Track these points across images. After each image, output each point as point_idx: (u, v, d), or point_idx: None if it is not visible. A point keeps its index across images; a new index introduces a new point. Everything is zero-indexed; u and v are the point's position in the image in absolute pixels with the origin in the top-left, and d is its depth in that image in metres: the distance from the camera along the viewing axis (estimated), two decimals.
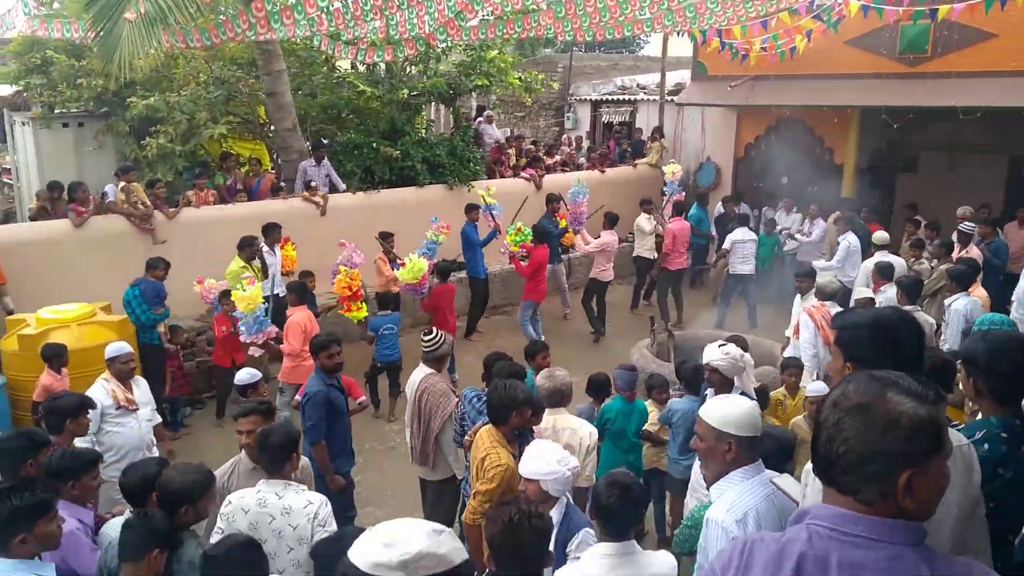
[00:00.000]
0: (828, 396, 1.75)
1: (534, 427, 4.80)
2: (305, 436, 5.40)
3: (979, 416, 3.03)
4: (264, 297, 8.34)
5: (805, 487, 2.51)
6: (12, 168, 14.48)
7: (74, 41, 8.29)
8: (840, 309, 7.79)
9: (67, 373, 6.76)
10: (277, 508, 3.95)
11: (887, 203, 13.39)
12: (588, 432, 5.14)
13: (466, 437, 5.13)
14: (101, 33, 6.61)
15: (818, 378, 7.41)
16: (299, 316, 8.04)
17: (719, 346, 5.15)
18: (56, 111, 12.85)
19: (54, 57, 12.29)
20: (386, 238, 10.30)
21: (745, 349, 5.70)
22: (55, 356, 6.77)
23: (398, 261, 10.09)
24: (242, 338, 7.91)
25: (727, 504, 2.96)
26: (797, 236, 12.99)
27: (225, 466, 4.56)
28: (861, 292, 8.22)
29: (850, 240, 11.16)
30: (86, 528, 3.98)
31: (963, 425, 3.08)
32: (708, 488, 3.23)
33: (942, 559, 1.60)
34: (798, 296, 8.53)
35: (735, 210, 13.67)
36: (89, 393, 5.68)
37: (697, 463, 4.58)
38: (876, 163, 13.55)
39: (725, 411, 3.16)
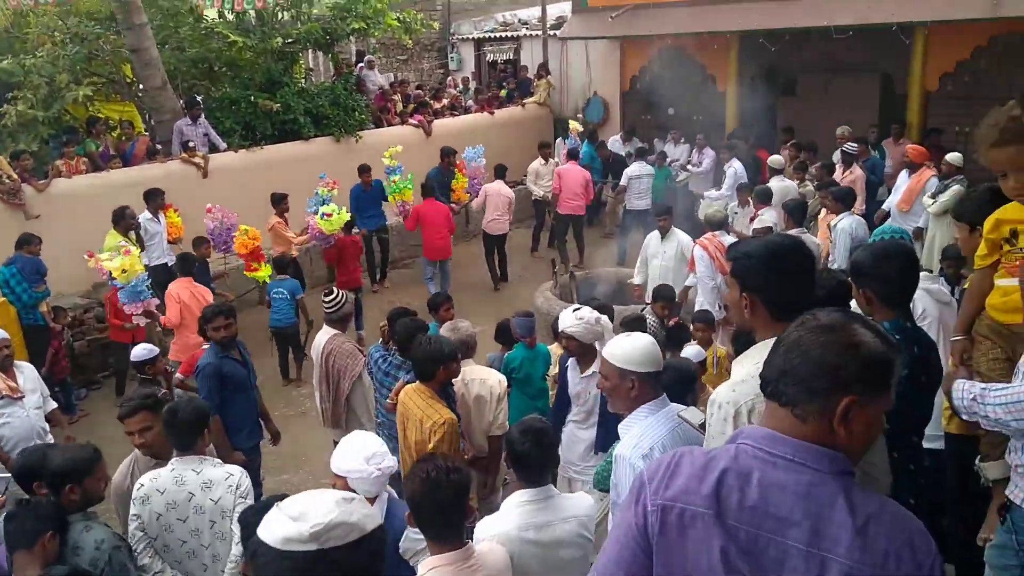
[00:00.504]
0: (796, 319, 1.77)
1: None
2: None
3: None
4: (147, 267, 8.00)
5: (710, 418, 2.52)
6: None
7: None
8: (730, 237, 7.97)
9: None
10: (196, 483, 3.83)
11: (769, 127, 13.66)
12: (498, 380, 5.14)
13: (388, 400, 5.03)
14: None
15: (719, 308, 7.55)
16: (174, 286, 7.74)
17: (573, 311, 4.80)
18: None
19: None
20: (280, 201, 9.90)
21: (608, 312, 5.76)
22: None
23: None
24: (123, 308, 7.68)
25: (634, 440, 3.05)
26: (688, 167, 13.16)
27: (123, 466, 4.29)
28: (760, 221, 8.33)
29: (736, 167, 11.41)
30: None
31: None
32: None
33: (859, 491, 1.62)
34: (653, 234, 8.62)
35: (608, 154, 13.80)
36: None
37: None
38: (756, 87, 13.82)
39: (625, 348, 3.20)
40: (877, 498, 1.65)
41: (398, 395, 4.72)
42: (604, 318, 4.88)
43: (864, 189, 10.06)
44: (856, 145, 10.46)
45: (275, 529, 1.60)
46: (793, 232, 7.49)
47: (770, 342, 2.28)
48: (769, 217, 8.58)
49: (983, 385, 2.82)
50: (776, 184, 9.70)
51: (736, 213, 9.92)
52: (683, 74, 14.34)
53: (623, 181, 12.16)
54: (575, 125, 13.80)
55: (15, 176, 9.30)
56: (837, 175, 10.06)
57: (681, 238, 8.40)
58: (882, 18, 11.39)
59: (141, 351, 6.12)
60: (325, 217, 9.32)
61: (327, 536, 1.58)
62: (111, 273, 7.75)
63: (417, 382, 4.53)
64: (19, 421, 5.50)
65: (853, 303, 3.23)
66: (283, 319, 8.67)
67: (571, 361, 4.95)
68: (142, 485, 3.86)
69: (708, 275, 7.78)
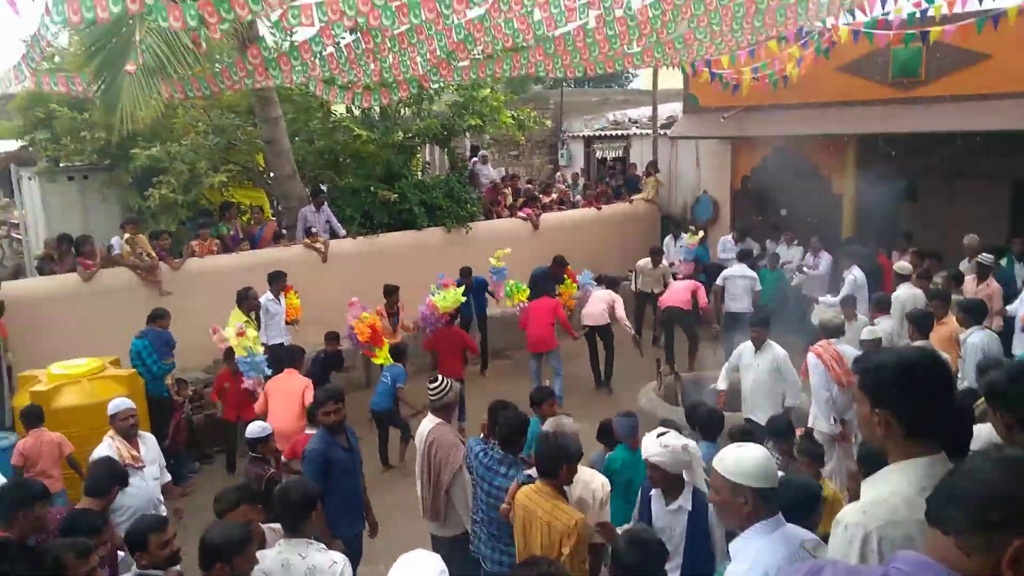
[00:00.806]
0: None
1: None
2: None
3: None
4: (264, 345, 8.39)
5: (833, 538, 2.35)
6: (20, 223, 14.52)
7: (77, 95, 8.37)
8: (847, 346, 7.62)
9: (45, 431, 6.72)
10: (301, 569, 3.85)
11: (888, 233, 13.26)
12: (601, 483, 4.89)
13: (503, 506, 4.75)
14: (103, 86, 6.66)
15: (835, 422, 7.27)
16: (272, 380, 7.99)
17: (657, 436, 4.40)
18: (61, 164, 12.96)
19: (57, 111, 12.40)
20: (391, 293, 10.24)
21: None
22: (31, 416, 6.74)
23: (400, 315, 10.21)
24: (245, 384, 8.00)
25: (747, 562, 2.84)
26: (804, 270, 12.79)
27: None
28: (870, 332, 7.95)
29: (856, 274, 10.85)
30: None
31: None
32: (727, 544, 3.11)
33: None
34: (746, 344, 7.99)
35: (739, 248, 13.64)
36: (96, 451, 5.67)
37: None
38: (875, 191, 13.55)
39: (738, 460, 3.00)
40: None
41: (513, 498, 4.54)
42: (692, 444, 4.53)
43: (1000, 303, 9.41)
44: (991, 256, 9.90)
45: None
46: (918, 343, 7.11)
47: (906, 464, 2.25)
48: (884, 327, 8.16)
49: None
50: (904, 292, 9.20)
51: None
52: (797, 175, 14.07)
53: (718, 281, 11.82)
54: (691, 238, 13.46)
55: (154, 254, 9.99)
56: (969, 287, 9.53)
57: (777, 351, 7.72)
58: (1011, 125, 10.98)
59: (255, 428, 6.18)
60: (439, 291, 9.67)
61: None
62: (224, 356, 8.27)
63: (537, 481, 4.41)
64: (138, 490, 5.69)
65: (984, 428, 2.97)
66: (380, 403, 8.83)
67: (655, 492, 4.54)
68: None
69: (822, 385, 7.34)
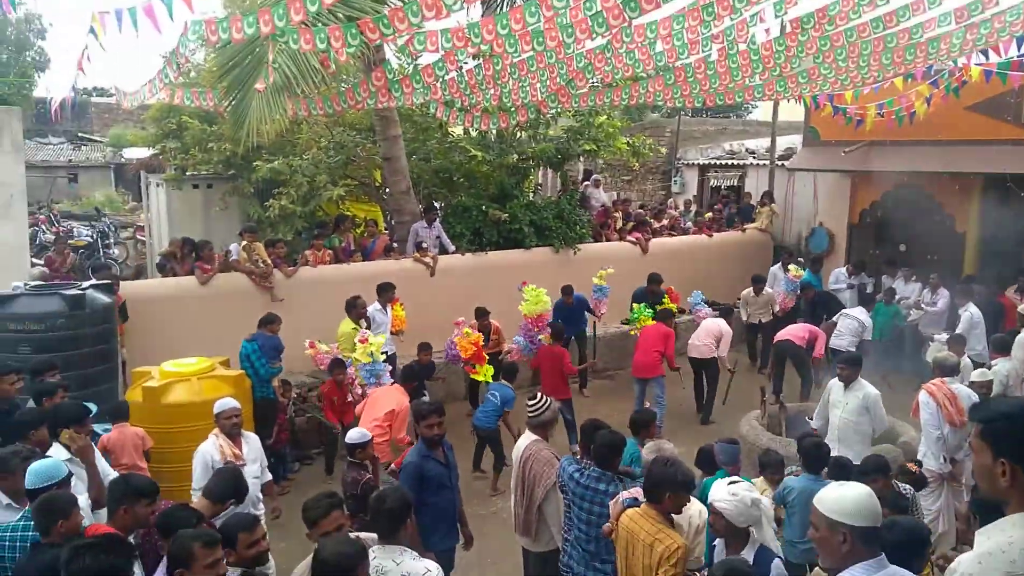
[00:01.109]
0: None
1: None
2: None
3: None
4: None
5: None
6: (146, 226, 15.41)
7: (208, 109, 8.83)
8: (961, 386, 7.41)
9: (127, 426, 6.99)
10: (396, 575, 3.92)
11: (1011, 273, 12.72)
12: (698, 510, 4.88)
13: (607, 525, 4.78)
14: (233, 102, 7.04)
15: (944, 461, 7.02)
16: (377, 390, 8.14)
17: (728, 483, 4.27)
18: (188, 173, 13.65)
19: (188, 122, 13.09)
20: (481, 317, 10.39)
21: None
22: (117, 411, 7.05)
23: (492, 337, 10.45)
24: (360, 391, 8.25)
25: None
26: (922, 306, 12.44)
27: (304, 564, 4.08)
28: (981, 374, 7.64)
29: (971, 311, 10.66)
30: None
31: None
32: None
33: None
34: (835, 380, 7.78)
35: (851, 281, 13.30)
36: (201, 448, 5.92)
37: None
38: (1000, 232, 12.99)
39: (840, 498, 2.96)
40: None
41: (618, 519, 4.57)
42: (765, 501, 4.34)
43: None
44: None
45: None
46: None
47: None
48: (1001, 369, 7.92)
49: None
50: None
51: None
52: (918, 212, 13.74)
53: (835, 318, 11.59)
54: (796, 271, 13.23)
55: (269, 261, 10.40)
56: None
57: (868, 391, 7.52)
58: None
59: (355, 435, 6.29)
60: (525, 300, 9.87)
61: None
62: (330, 368, 8.56)
63: (643, 504, 4.44)
64: None
65: None
66: (484, 421, 8.80)
67: (719, 541, 4.35)
68: None
69: (933, 424, 7.16)
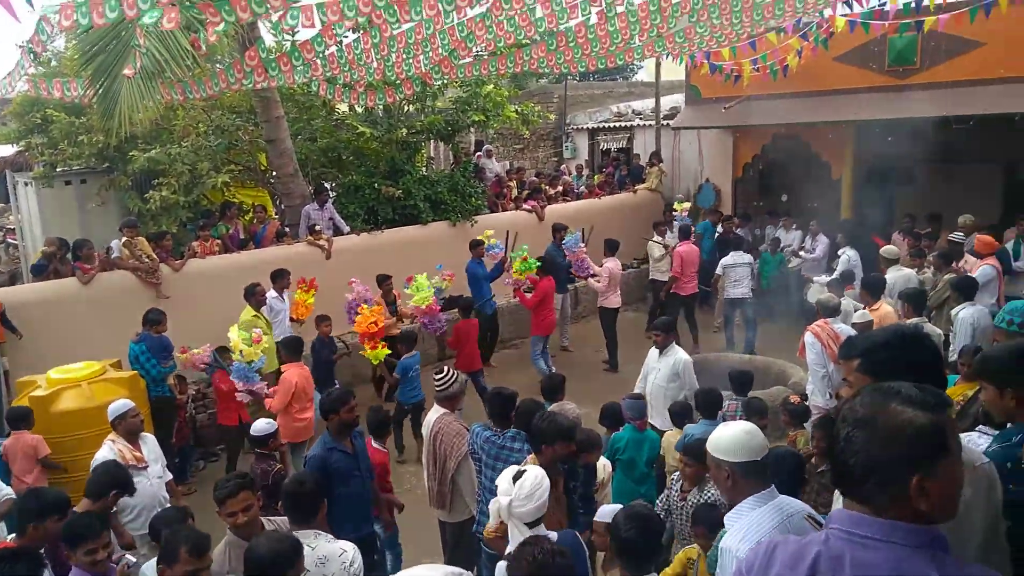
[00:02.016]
0: (839, 410, 1.82)
1: None
2: None
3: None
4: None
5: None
6: (16, 228, 14.54)
7: (72, 100, 8.38)
8: (843, 325, 7.76)
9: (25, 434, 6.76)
10: (311, 559, 3.86)
11: (886, 215, 13.41)
12: (602, 464, 5.06)
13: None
14: (100, 90, 6.67)
15: (830, 397, 7.36)
16: (290, 373, 7.83)
17: (512, 477, 3.91)
18: (58, 169, 12.88)
19: (54, 115, 12.39)
20: (383, 282, 10.30)
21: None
22: (14, 418, 6.77)
23: (398, 303, 10.22)
24: (235, 381, 7.94)
25: (740, 533, 2.92)
26: (801, 253, 13.01)
27: (217, 553, 4.10)
28: (862, 315, 8.03)
29: (849, 254, 11.21)
30: None
31: (998, 433, 3.06)
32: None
33: (953, 565, 1.64)
34: (653, 350, 7.85)
35: (733, 231, 13.69)
36: (98, 455, 5.69)
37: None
38: (873, 176, 13.65)
39: (718, 438, 3.13)
40: (974, 569, 1.69)
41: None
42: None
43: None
44: (961, 234, 10.20)
45: None
46: (913, 321, 7.28)
47: None
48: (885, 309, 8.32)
49: None
50: (893, 274, 9.42)
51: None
52: (797, 162, 14.32)
53: (718, 270, 11.97)
54: (681, 206, 13.82)
55: (154, 256, 9.99)
56: (963, 264, 9.69)
57: (679, 356, 7.58)
58: (1003, 109, 11.18)
59: (262, 425, 6.15)
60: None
61: None
62: (215, 356, 8.31)
63: (530, 457, 4.58)
64: (143, 489, 5.71)
65: None
66: (419, 394, 8.78)
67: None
68: None
69: (819, 363, 7.53)
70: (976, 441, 3.32)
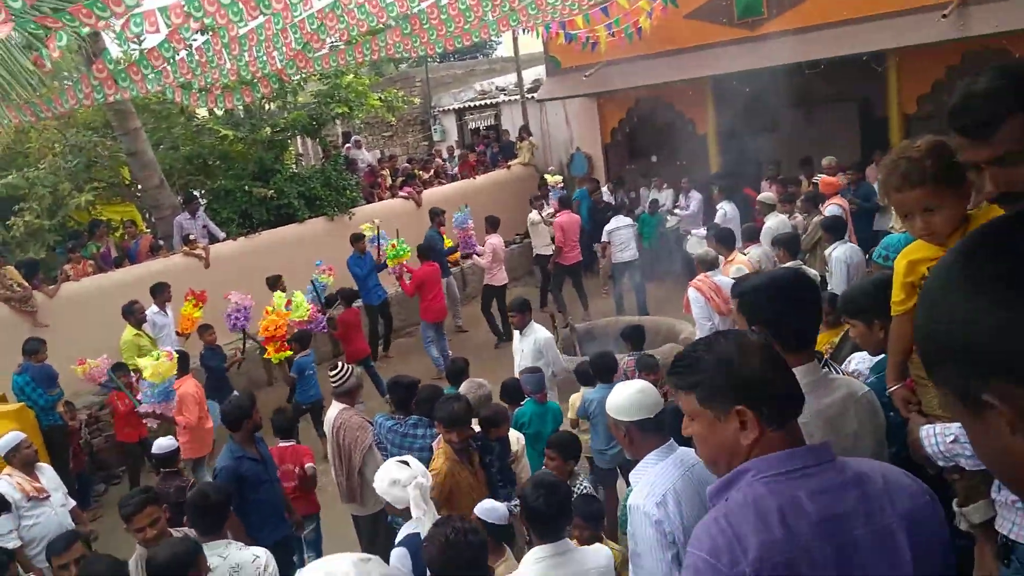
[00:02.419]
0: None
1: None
2: None
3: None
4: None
5: None
6: None
7: None
8: (723, 277, 8.03)
9: None
10: (224, 569, 3.88)
11: (754, 165, 13.94)
12: (515, 437, 5.19)
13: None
14: None
15: None
16: (188, 387, 7.74)
17: (396, 463, 4.06)
18: None
19: None
20: (275, 284, 10.13)
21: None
22: None
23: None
24: (140, 409, 7.68)
25: (646, 488, 2.95)
26: (676, 211, 13.38)
27: (130, 565, 4.16)
28: (738, 271, 8.20)
29: (725, 208, 11.52)
30: None
31: (875, 362, 3.24)
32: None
33: (854, 461, 1.80)
34: (516, 334, 7.68)
35: (602, 199, 13.99)
36: None
37: None
38: (736, 129, 14.18)
39: (614, 398, 3.19)
40: (863, 460, 1.87)
41: None
42: (419, 480, 3.89)
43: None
44: (842, 172, 10.62)
45: None
46: (789, 264, 7.45)
47: None
48: (754, 254, 8.53)
49: (959, 424, 2.62)
50: (773, 221, 9.62)
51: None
52: (662, 122, 14.75)
53: (604, 238, 12.13)
54: (553, 178, 14.05)
55: (25, 284, 9.58)
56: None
57: (539, 335, 7.34)
58: (851, 50, 11.68)
59: (165, 443, 6.03)
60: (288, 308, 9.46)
61: None
62: (111, 374, 8.04)
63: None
64: (48, 520, 5.68)
65: None
66: (316, 392, 8.73)
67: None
68: None
69: (704, 316, 7.60)
70: (858, 369, 3.54)
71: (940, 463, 2.59)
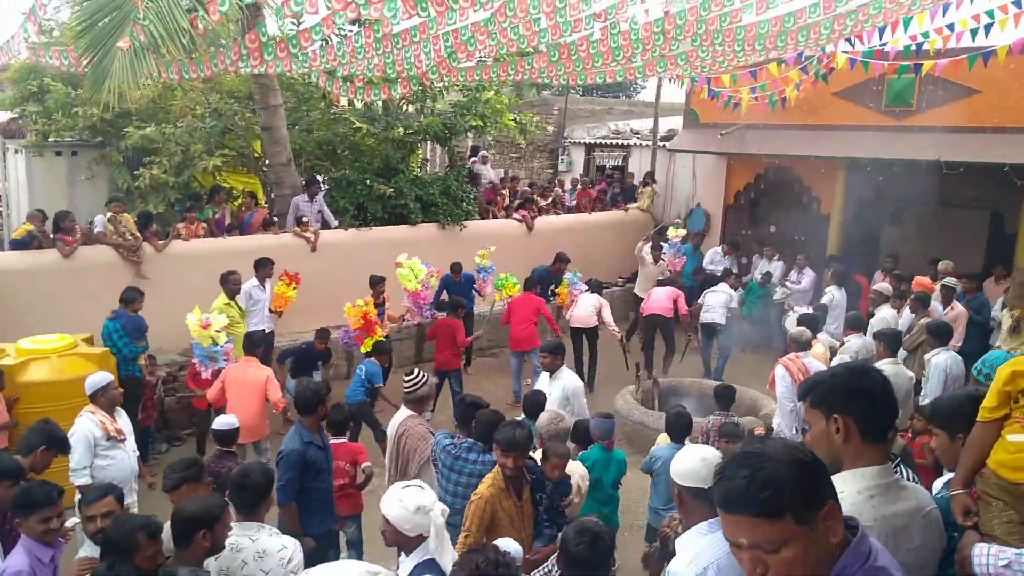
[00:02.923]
0: None
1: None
2: (276, 495, 4.90)
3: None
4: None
5: None
6: (2, 195, 14.43)
7: (68, 69, 8.33)
8: (814, 360, 7.72)
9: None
10: (251, 552, 3.85)
11: (872, 255, 13.47)
12: (581, 474, 5.08)
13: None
14: (93, 60, 6.60)
15: (797, 432, 7.34)
16: (235, 368, 7.79)
17: (403, 488, 3.63)
18: (50, 139, 12.81)
19: (51, 85, 12.33)
20: (376, 283, 10.19)
21: None
22: None
23: (386, 306, 10.18)
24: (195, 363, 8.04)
25: (689, 557, 2.89)
26: (787, 284, 13.00)
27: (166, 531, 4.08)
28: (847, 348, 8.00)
29: (833, 293, 11.24)
30: (43, 568, 3.85)
31: (945, 480, 3.05)
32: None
33: None
34: (545, 375, 7.37)
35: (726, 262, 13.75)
36: (78, 427, 5.68)
37: None
38: (862, 214, 13.72)
39: (676, 461, 3.18)
40: None
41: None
42: (441, 508, 3.59)
43: (964, 326, 9.70)
44: (954, 279, 10.18)
45: None
46: (887, 361, 7.22)
47: (856, 472, 2.31)
48: (853, 345, 8.29)
49: (1017, 551, 2.55)
50: (886, 312, 9.50)
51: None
52: (788, 194, 14.39)
53: (701, 298, 11.89)
54: (676, 232, 13.79)
55: (137, 234, 9.91)
56: (939, 311, 9.74)
57: (567, 382, 7.14)
58: (994, 158, 11.24)
59: (223, 422, 6.04)
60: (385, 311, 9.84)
61: None
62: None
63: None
64: (122, 462, 5.88)
65: None
66: (353, 396, 8.54)
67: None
68: None
69: (788, 396, 7.40)
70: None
71: None
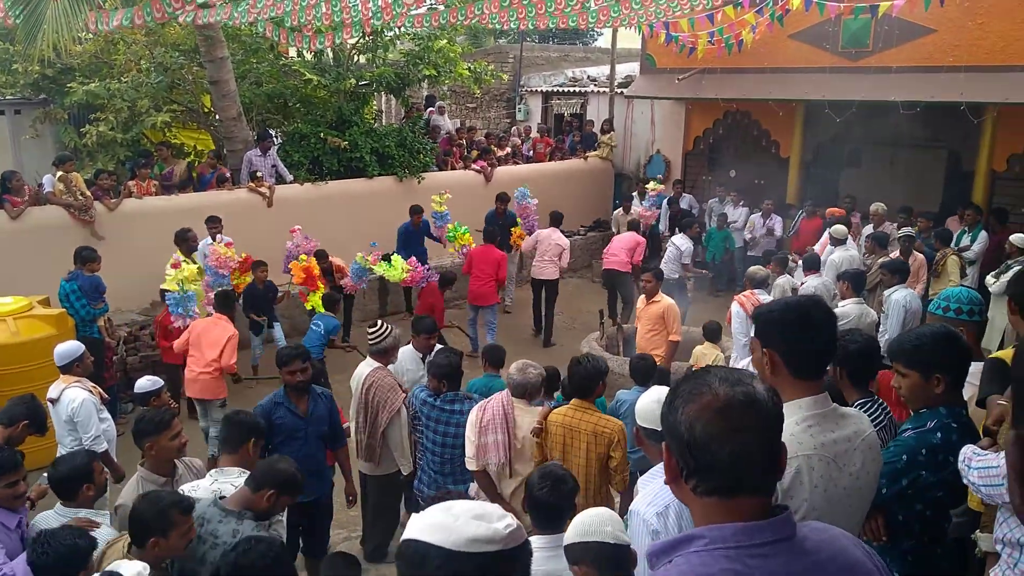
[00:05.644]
0: None
1: None
2: None
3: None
4: None
5: None
6: None
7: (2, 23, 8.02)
8: (768, 295, 7.91)
9: None
10: (209, 490, 3.91)
11: (830, 196, 13.57)
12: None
13: (535, 426, 4.72)
14: (23, 13, 6.35)
15: (751, 366, 7.44)
16: (202, 322, 7.69)
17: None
18: None
19: None
20: (321, 259, 10.04)
21: None
22: None
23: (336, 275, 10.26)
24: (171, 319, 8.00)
25: (650, 496, 2.95)
26: (756, 235, 12.92)
27: (129, 488, 4.12)
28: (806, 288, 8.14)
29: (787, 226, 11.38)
30: (10, 533, 3.84)
31: (914, 415, 3.04)
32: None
33: (813, 535, 1.62)
34: None
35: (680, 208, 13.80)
36: (82, 398, 5.60)
37: None
38: (820, 156, 13.78)
39: (639, 402, 3.31)
40: (818, 526, 1.71)
41: (545, 419, 4.68)
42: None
43: (927, 274, 9.65)
44: (911, 229, 10.18)
45: (461, 530, 1.50)
46: (852, 301, 7.32)
47: (791, 405, 2.30)
48: (811, 284, 8.43)
49: (975, 449, 2.72)
50: (840, 254, 9.54)
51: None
52: (747, 138, 14.40)
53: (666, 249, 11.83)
54: (655, 186, 13.69)
55: (88, 193, 9.67)
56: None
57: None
58: (951, 97, 11.29)
59: (145, 383, 5.85)
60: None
61: (512, 537, 1.52)
62: (162, 296, 8.11)
63: (574, 400, 4.68)
64: (110, 424, 5.93)
65: None
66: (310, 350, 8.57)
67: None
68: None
69: (742, 331, 7.76)
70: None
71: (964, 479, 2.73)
